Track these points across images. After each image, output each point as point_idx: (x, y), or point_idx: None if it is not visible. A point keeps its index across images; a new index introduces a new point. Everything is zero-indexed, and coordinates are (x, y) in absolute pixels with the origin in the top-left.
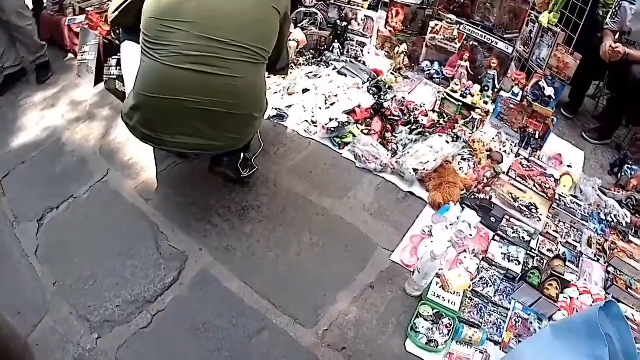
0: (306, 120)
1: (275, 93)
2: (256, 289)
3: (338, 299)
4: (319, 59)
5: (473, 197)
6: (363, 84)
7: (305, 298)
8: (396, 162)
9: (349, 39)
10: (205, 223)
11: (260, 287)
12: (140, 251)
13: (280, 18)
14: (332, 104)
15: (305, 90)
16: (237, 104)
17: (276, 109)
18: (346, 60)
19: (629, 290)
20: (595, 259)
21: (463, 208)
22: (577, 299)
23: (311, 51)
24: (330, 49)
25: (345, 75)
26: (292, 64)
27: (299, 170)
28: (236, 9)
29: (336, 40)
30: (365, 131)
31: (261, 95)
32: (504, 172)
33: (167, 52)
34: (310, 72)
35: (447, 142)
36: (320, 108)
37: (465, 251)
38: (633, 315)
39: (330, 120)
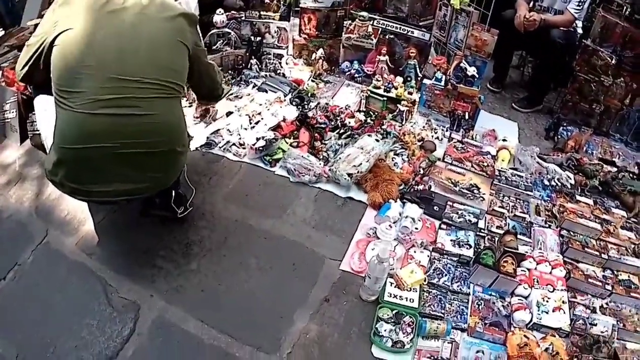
0: (234, 144)
1: (196, 123)
2: (213, 325)
3: (296, 319)
4: (239, 79)
5: (412, 190)
6: (285, 96)
7: (263, 325)
8: (329, 170)
9: (265, 53)
10: (150, 267)
11: (217, 322)
12: (93, 308)
13: (190, 52)
14: (256, 123)
15: (228, 113)
16: (158, 141)
17: (205, 138)
18: (265, 76)
19: (585, 249)
20: (547, 225)
21: (404, 203)
22: (535, 269)
23: (229, 72)
24: (249, 67)
25: (266, 91)
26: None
27: (234, 196)
28: (144, 46)
29: (253, 57)
30: (295, 144)
31: (181, 129)
32: (439, 159)
33: (81, 100)
34: (231, 94)
35: (377, 140)
36: (245, 129)
37: (413, 246)
38: (595, 272)
39: (257, 139)
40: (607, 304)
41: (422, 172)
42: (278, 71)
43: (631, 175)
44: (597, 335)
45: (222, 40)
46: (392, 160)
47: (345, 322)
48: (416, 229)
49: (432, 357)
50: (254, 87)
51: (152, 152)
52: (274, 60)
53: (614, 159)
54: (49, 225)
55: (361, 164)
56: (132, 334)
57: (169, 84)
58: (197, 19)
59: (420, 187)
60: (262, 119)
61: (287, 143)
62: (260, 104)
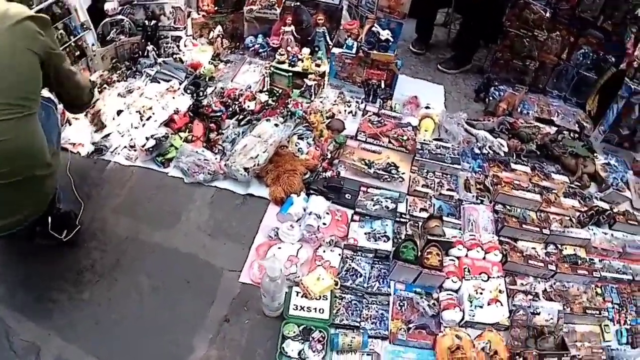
0: (125, 147)
1: (88, 126)
2: None
3: (194, 345)
4: (134, 70)
5: (319, 178)
6: (180, 84)
7: (160, 355)
8: (225, 165)
9: (162, 37)
10: (46, 302)
11: (113, 358)
12: None
13: (42, 58)
14: (148, 119)
15: (119, 112)
16: (11, 170)
17: (93, 144)
18: (160, 63)
19: (523, 226)
20: (479, 201)
21: (310, 195)
22: (466, 256)
23: (125, 63)
24: (145, 54)
25: (159, 82)
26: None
27: (126, 207)
28: None
29: (149, 43)
30: (191, 138)
31: (37, 149)
32: (351, 138)
33: None
34: (124, 89)
35: (276, 124)
36: (136, 128)
37: (321, 245)
38: (536, 251)
39: (147, 139)
40: (551, 286)
41: (329, 156)
42: (177, 55)
43: (572, 135)
44: (540, 326)
45: (115, 29)
46: (296, 146)
47: (249, 344)
48: (324, 224)
49: None
50: (147, 78)
51: (8, 184)
52: (172, 43)
53: (552, 118)
54: None
55: (258, 155)
56: None
57: (20, 100)
58: (49, 20)
59: (329, 173)
60: (153, 114)
61: (180, 139)
62: (151, 98)
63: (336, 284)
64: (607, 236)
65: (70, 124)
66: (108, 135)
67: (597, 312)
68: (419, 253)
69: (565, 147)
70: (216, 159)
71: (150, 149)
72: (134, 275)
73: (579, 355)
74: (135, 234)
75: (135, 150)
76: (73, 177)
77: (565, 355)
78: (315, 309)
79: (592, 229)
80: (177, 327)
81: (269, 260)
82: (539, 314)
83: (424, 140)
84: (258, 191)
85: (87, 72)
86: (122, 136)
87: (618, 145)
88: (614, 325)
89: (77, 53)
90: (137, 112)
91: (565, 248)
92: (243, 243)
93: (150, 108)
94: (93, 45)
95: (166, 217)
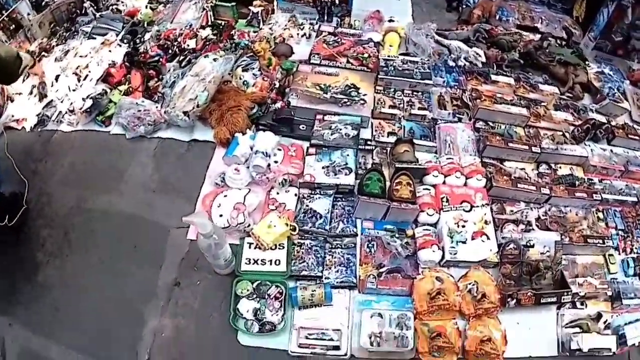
0: (66, 112)
1: (28, 99)
2: (74, 347)
3: (147, 317)
4: (73, 31)
5: (268, 111)
6: (117, 35)
7: (117, 333)
8: (165, 112)
9: None
10: (7, 289)
11: (75, 342)
12: None
13: None
14: (85, 79)
15: (57, 77)
16: None
17: (36, 116)
18: (97, 18)
19: (509, 144)
20: (456, 119)
21: (257, 131)
22: (444, 183)
23: (65, 25)
24: (83, 12)
25: (95, 38)
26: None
27: (70, 177)
28: None
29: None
30: (131, 90)
31: None
32: (304, 62)
33: None
34: (61, 53)
35: (215, 59)
36: (74, 90)
37: (273, 187)
38: (526, 172)
39: (84, 100)
40: (545, 212)
41: (278, 85)
42: (114, 6)
43: (559, 42)
44: (535, 261)
45: None
46: (240, 79)
47: (202, 308)
48: (275, 162)
49: (318, 333)
50: (84, 36)
51: None
52: None
53: (535, 25)
54: None
55: (198, 95)
56: None
57: None
58: None
59: (278, 105)
60: (89, 72)
61: (120, 93)
62: (84, 55)
63: (293, 230)
64: (606, 153)
65: (12, 101)
66: (49, 103)
67: (600, 240)
68: (387, 184)
69: (552, 54)
70: (157, 107)
71: (89, 110)
72: (83, 249)
73: (581, 292)
74: (82, 203)
75: (75, 115)
76: (14, 156)
77: (565, 293)
78: (271, 261)
79: (589, 145)
80: (128, 299)
81: (195, 216)
82: (532, 246)
83: (389, 56)
84: (203, 135)
85: (27, 44)
86: (62, 102)
87: (611, 53)
88: (619, 254)
89: (12, 27)
90: (73, 73)
91: (560, 167)
92: (190, 196)
93: (87, 66)
94: (29, 14)
95: (110, 180)
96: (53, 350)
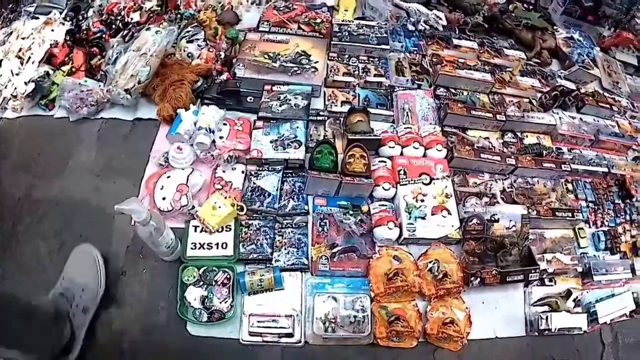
0: (10, 98)
1: None
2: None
3: (92, 308)
4: (18, 12)
5: (213, 84)
6: (61, 13)
7: None
8: (107, 91)
9: None
10: None
11: None
12: None
13: None
14: (27, 62)
15: (0, 62)
16: None
17: None
18: None
19: (472, 112)
20: (415, 86)
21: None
22: (401, 154)
23: (10, 6)
24: None
25: (38, 17)
26: None
27: (17, 165)
28: None
29: None
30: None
31: None
32: (253, 30)
33: None
34: (3, 36)
35: (157, 31)
36: (18, 74)
37: (218, 165)
38: (489, 140)
39: (26, 84)
40: (511, 184)
41: (222, 56)
42: None
43: (525, 5)
44: (500, 237)
45: None
46: (184, 51)
47: (149, 297)
48: (221, 138)
49: (268, 319)
50: (27, 17)
51: None
52: None
53: None
54: None
55: (139, 71)
56: None
57: None
58: None
59: (224, 76)
60: (32, 54)
61: (63, 74)
62: (26, 37)
63: (241, 210)
64: (575, 121)
65: None
66: None
67: (570, 213)
68: (339, 158)
69: (518, 18)
70: (100, 86)
71: (31, 94)
72: (31, 241)
73: (549, 269)
74: (29, 193)
75: (18, 100)
76: None
77: (533, 271)
78: (218, 244)
79: (558, 113)
80: None
81: (127, 203)
82: (497, 221)
83: (343, 21)
84: (147, 113)
85: None
86: (6, 87)
87: (581, 19)
88: (590, 228)
89: None
90: (16, 56)
91: (527, 136)
92: (135, 178)
93: (29, 48)
94: None
95: (55, 166)
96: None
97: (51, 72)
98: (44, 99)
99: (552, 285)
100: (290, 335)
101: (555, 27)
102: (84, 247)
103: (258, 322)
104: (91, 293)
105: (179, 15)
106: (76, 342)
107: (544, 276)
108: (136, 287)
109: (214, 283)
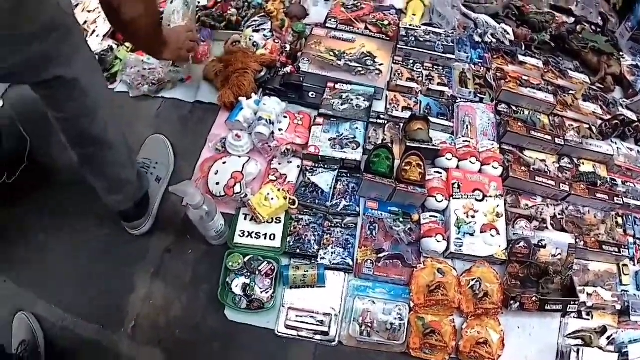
0: None
1: None
2: (61, 306)
3: (136, 283)
4: None
5: (276, 75)
6: None
7: (105, 294)
8: (169, 71)
9: None
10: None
11: (62, 301)
12: None
13: None
14: (92, 34)
15: None
16: None
17: None
18: None
19: (532, 132)
20: (477, 99)
21: (264, 96)
22: (457, 168)
23: None
24: None
25: None
26: None
27: None
28: None
29: None
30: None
31: None
32: (320, 26)
33: None
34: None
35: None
36: None
37: (275, 157)
38: (545, 163)
39: None
40: (562, 211)
41: (289, 49)
42: None
43: (593, 28)
44: (544, 263)
45: None
46: (250, 40)
47: (193, 279)
48: (280, 130)
49: (307, 315)
50: None
51: None
52: None
53: (570, 7)
54: None
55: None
56: None
57: None
58: None
59: (288, 69)
60: (96, 27)
61: (127, 50)
62: (92, 10)
63: (293, 204)
64: (632, 153)
65: None
66: None
67: (616, 248)
68: (396, 163)
69: (585, 40)
70: (161, 66)
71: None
72: (77, 212)
73: (589, 303)
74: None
75: None
76: (19, 111)
77: (572, 302)
78: (266, 235)
79: (616, 143)
80: (119, 264)
81: (183, 185)
82: (544, 247)
83: (411, 25)
84: (208, 97)
85: None
86: None
87: None
88: (634, 265)
89: None
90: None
91: (583, 163)
92: (191, 160)
93: (95, 21)
94: None
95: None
96: (40, 306)
97: (115, 47)
98: (106, 73)
99: (588, 320)
100: (326, 333)
101: (621, 53)
102: (154, 136)
103: (296, 316)
104: (164, 167)
105: (246, 3)
106: (150, 206)
107: (582, 309)
108: (180, 267)
109: (257, 272)
